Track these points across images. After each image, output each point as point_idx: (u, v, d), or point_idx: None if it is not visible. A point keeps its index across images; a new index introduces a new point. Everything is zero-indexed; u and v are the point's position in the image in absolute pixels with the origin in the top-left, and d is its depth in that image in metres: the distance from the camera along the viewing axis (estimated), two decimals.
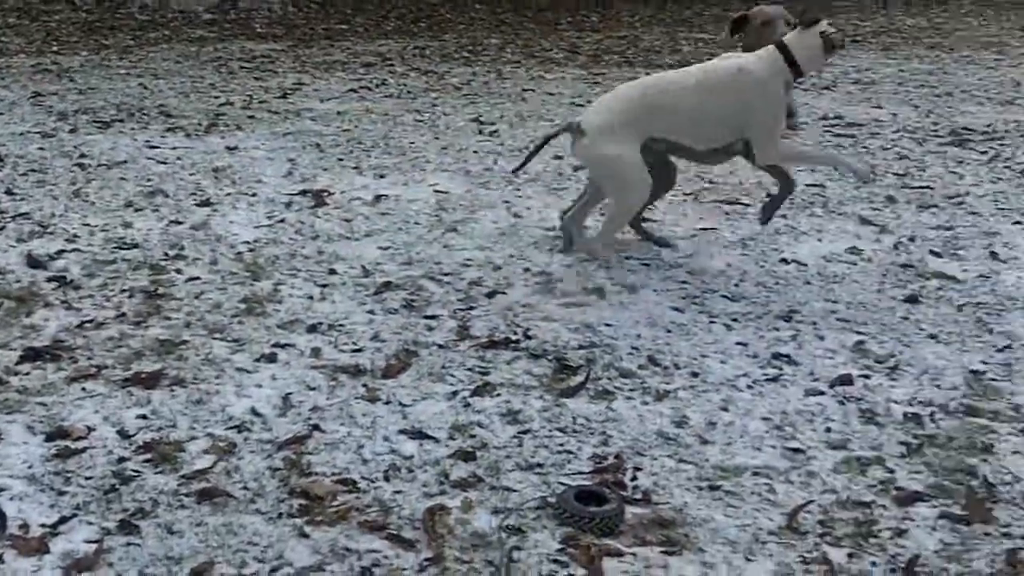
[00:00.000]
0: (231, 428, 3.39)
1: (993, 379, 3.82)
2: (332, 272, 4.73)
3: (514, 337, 4.09)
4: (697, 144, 4.73)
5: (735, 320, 4.31)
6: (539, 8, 15.50)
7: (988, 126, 8.13)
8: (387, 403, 3.56)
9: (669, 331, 4.19)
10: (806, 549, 2.83)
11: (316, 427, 3.40)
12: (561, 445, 3.33)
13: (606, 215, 4.89)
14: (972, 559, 2.82)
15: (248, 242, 5.11)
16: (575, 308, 4.39)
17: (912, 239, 5.30)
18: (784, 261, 4.99)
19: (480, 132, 7.62)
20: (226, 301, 4.41)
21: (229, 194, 5.93)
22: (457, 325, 4.19)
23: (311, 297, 4.45)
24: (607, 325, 4.22)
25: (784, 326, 4.25)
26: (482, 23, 14.09)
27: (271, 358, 3.88)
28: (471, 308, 4.37)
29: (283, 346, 3.98)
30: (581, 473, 3.17)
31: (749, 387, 3.74)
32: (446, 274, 4.74)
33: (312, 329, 4.13)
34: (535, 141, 5.33)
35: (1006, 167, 6.88)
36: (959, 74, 10.79)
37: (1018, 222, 5.67)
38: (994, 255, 5.12)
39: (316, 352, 3.93)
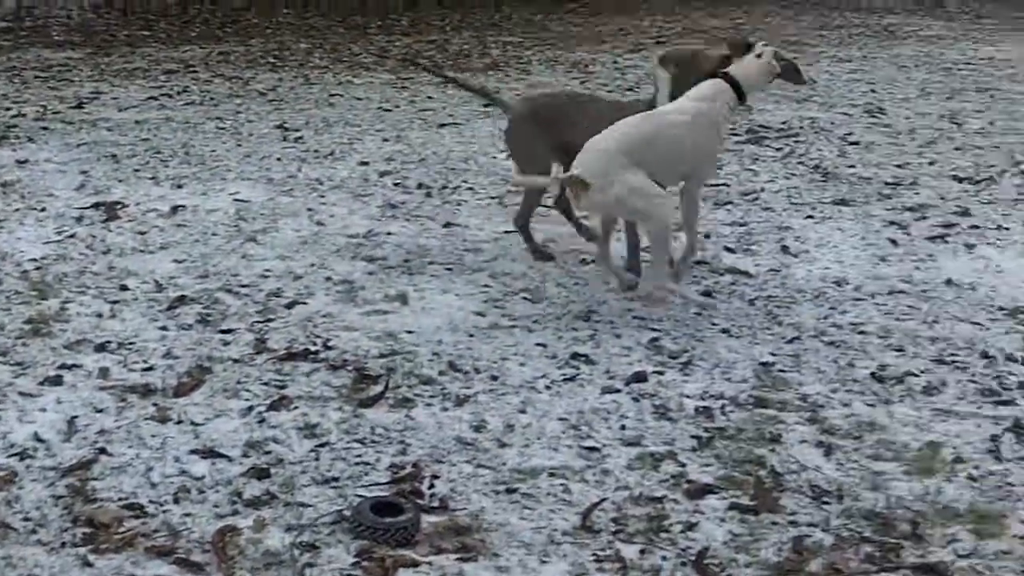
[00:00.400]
0: (12, 456, 3.26)
1: (782, 370, 3.95)
2: (124, 288, 4.59)
3: (313, 348, 4.03)
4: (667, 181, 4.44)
5: (536, 322, 4.34)
6: (348, 12, 15.36)
7: (784, 123, 8.40)
8: (178, 423, 3.47)
9: (471, 336, 4.20)
10: (599, 547, 2.87)
11: (103, 451, 3.29)
12: (359, 457, 3.29)
13: (651, 248, 4.52)
14: (760, 548, 2.89)
15: (35, 259, 4.91)
16: (377, 316, 4.36)
17: (707, 236, 5.44)
18: (584, 262, 5.05)
19: (284, 139, 7.50)
20: (9, 322, 4.23)
21: (17, 209, 5.69)
22: (254, 338, 4.11)
23: (100, 315, 4.30)
24: (409, 332, 4.21)
25: (583, 326, 4.30)
26: (290, 28, 13.89)
27: (56, 380, 3.73)
28: (269, 320, 4.29)
29: (69, 367, 3.83)
30: (378, 484, 3.15)
31: (547, 388, 3.77)
32: (244, 286, 4.65)
33: (101, 348, 4.00)
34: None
35: (799, 163, 7.12)
36: None
37: (809, 216, 5.87)
38: (785, 249, 5.29)
39: (104, 372, 3.80)
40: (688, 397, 3.71)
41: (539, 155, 4.82)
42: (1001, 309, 4.61)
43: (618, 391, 3.75)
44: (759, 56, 4.55)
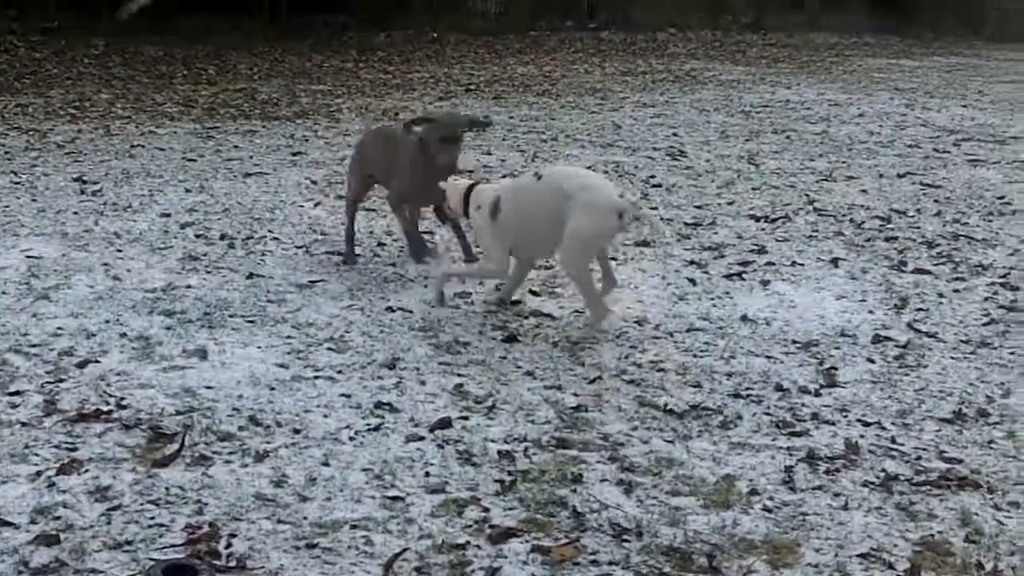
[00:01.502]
0: None
1: (584, 411, 3.99)
2: None
3: (106, 408, 3.89)
4: None
5: (340, 372, 4.29)
6: (153, 62, 15.07)
7: (590, 167, 8.55)
8: None
9: (272, 388, 4.12)
10: None
11: None
12: (153, 518, 3.18)
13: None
14: None
15: None
16: (174, 372, 4.24)
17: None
18: (390, 309, 5.03)
19: (82, 192, 7.28)
20: None
21: None
22: (44, 400, 3.94)
23: None
24: (208, 387, 4.10)
25: (388, 374, 4.27)
26: (91, 78, 13.53)
27: None
28: (60, 380, 4.13)
29: None
30: (173, 546, 3.05)
31: (351, 439, 3.72)
32: (34, 345, 4.47)
33: None
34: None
35: None
36: (564, 119, 11.34)
37: (612, 258, 5.95)
38: None
39: None
40: (492, 441, 3.71)
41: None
42: (795, 343, 4.77)
43: (422, 439, 3.73)
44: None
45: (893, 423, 3.98)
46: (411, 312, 5.00)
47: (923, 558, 3.09)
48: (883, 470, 3.60)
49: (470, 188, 5.16)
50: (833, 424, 3.96)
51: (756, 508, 3.34)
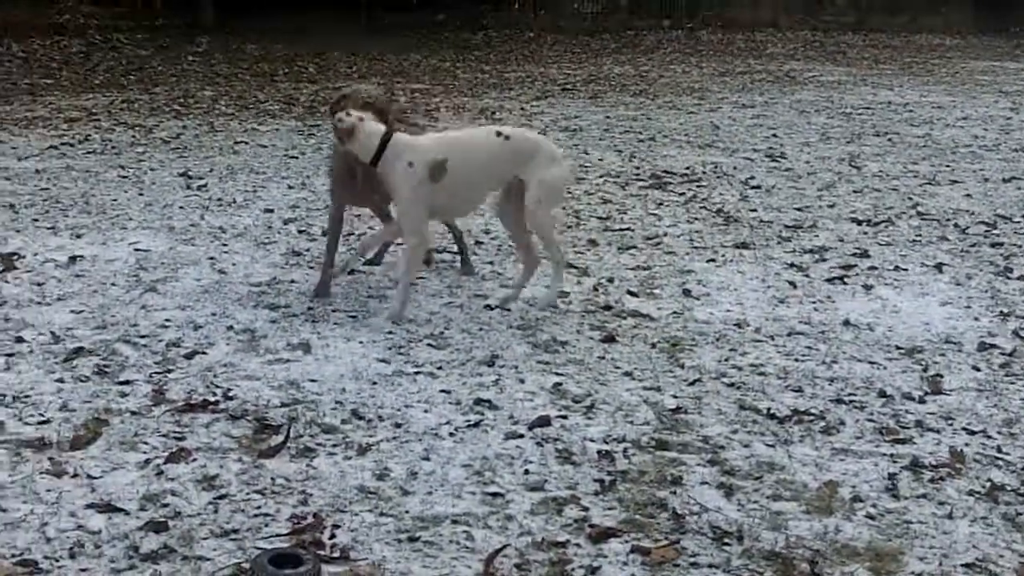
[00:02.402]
0: None
1: (683, 413, 3.98)
2: (19, 340, 4.48)
3: (213, 399, 3.97)
4: None
5: (439, 368, 4.33)
6: (255, 60, 15.32)
7: (687, 169, 8.53)
8: (74, 476, 3.39)
9: (374, 383, 4.17)
10: None
11: None
12: (258, 508, 3.24)
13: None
14: None
15: None
16: (279, 365, 4.31)
17: (611, 280, 5.49)
18: (488, 307, 5.06)
19: (188, 187, 7.43)
20: None
21: None
22: (152, 390, 4.04)
23: None
24: (311, 381, 4.17)
25: (487, 371, 4.30)
26: (195, 75, 13.80)
27: None
28: (168, 371, 4.22)
29: None
30: (279, 536, 3.10)
31: (451, 434, 3.75)
32: (143, 336, 4.57)
33: None
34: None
35: (702, 207, 7.23)
36: (661, 119, 11.29)
37: (711, 260, 5.95)
38: (687, 292, 5.35)
39: None
40: (591, 441, 3.72)
41: None
42: (898, 348, 4.70)
43: (521, 436, 3.75)
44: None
45: (999, 432, 3.91)
46: (509, 310, 5.02)
47: None
48: (989, 479, 3.54)
49: (388, 135, 4.73)
50: (938, 432, 3.90)
51: (859, 515, 3.30)
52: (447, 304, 5.10)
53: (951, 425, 3.96)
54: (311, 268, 5.59)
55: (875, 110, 12.32)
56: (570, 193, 7.51)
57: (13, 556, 2.96)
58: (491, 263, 5.77)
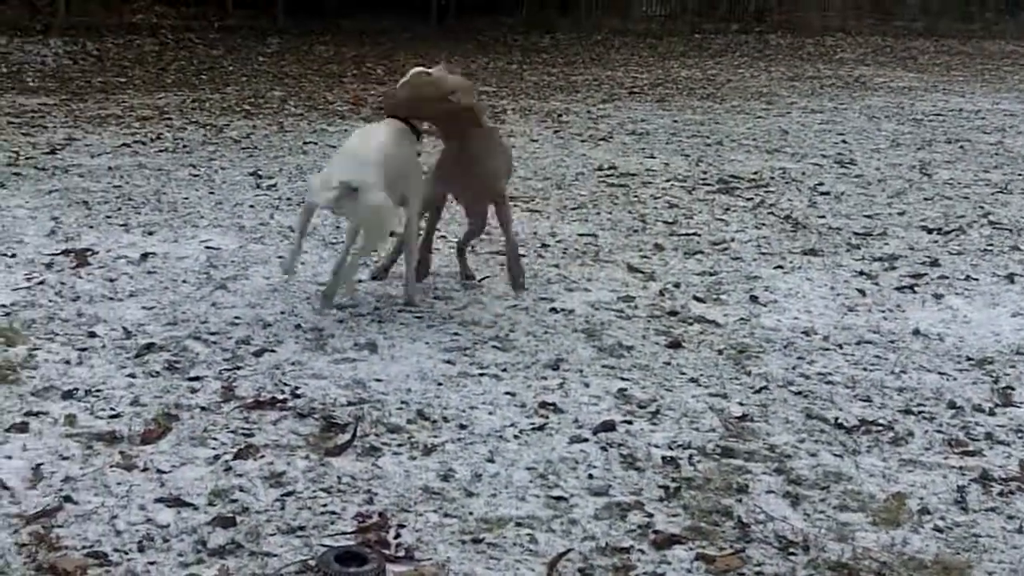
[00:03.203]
0: None
1: (750, 420, 3.95)
2: (92, 335, 4.56)
3: (281, 396, 4.01)
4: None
5: (504, 370, 4.34)
6: (324, 61, 15.45)
7: (755, 173, 8.48)
8: (144, 470, 3.44)
9: (439, 384, 4.19)
10: None
11: (68, 498, 3.25)
12: (325, 506, 3.27)
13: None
14: None
15: (3, 305, 4.88)
16: (346, 364, 4.35)
17: (677, 285, 5.47)
18: (554, 310, 5.06)
19: (258, 186, 7.51)
20: None
21: None
22: (222, 386, 4.09)
23: (68, 362, 4.27)
24: (377, 380, 4.20)
25: (552, 374, 4.31)
26: (265, 75, 13.94)
27: (22, 427, 3.70)
28: (238, 368, 4.27)
29: (36, 414, 3.80)
30: (344, 533, 3.13)
31: (516, 437, 3.76)
32: (213, 333, 4.63)
33: (68, 395, 3.96)
34: None
35: (770, 213, 7.18)
36: (729, 123, 11.23)
37: (779, 266, 5.91)
38: (754, 299, 5.32)
39: (71, 419, 3.76)
40: (656, 447, 3.71)
41: None
42: (968, 359, 4.64)
43: (586, 440, 3.75)
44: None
45: None
46: (574, 313, 5.02)
47: None
48: None
49: None
50: (1008, 445, 3.85)
51: (927, 527, 3.26)
52: (512, 307, 5.11)
53: (1022, 438, 3.90)
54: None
55: (946, 117, 12.16)
56: (636, 197, 7.50)
57: (84, 548, 3.01)
58: (556, 266, 5.76)
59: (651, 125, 10.96)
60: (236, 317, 4.83)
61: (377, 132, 4.89)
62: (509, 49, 17.87)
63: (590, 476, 3.50)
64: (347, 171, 4.57)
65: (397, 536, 3.12)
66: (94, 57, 14.63)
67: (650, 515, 3.28)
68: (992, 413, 4.11)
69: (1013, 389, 4.33)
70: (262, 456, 3.56)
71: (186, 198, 7.07)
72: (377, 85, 13.51)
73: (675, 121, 11.30)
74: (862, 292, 5.50)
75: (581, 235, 6.36)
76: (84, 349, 4.41)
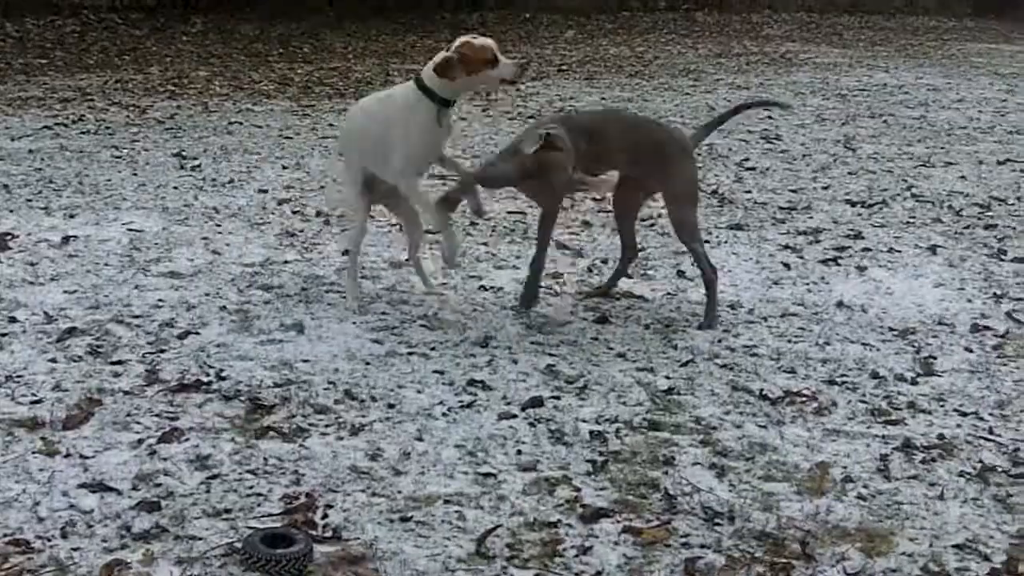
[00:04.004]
0: None
1: (676, 393, 3.98)
2: (12, 320, 4.48)
3: (206, 379, 3.97)
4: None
5: (433, 349, 4.33)
6: (249, 40, 15.26)
7: None
8: (67, 456, 3.39)
9: (367, 363, 4.17)
10: (494, 573, 2.87)
11: None
12: (251, 488, 3.25)
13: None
14: (653, 571, 2.91)
15: None
16: (272, 345, 4.32)
17: (605, 262, 5.48)
18: (483, 288, 5.06)
19: (182, 167, 7.41)
20: None
21: None
22: (145, 370, 4.04)
23: None
24: (304, 361, 4.17)
25: (480, 352, 4.30)
26: (189, 55, 13.74)
27: None
28: (162, 351, 4.22)
29: None
30: (271, 515, 3.11)
31: (444, 415, 3.76)
32: (136, 316, 4.57)
33: None
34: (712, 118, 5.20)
35: None
36: (657, 100, 11.27)
37: (705, 241, 5.88)
38: (681, 273, 5.35)
39: None
40: (584, 421, 3.72)
41: None
42: (891, 330, 4.71)
43: (514, 416, 3.75)
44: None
45: (991, 414, 3.92)
46: (503, 290, 5.02)
47: (1021, 550, 3.04)
48: (980, 461, 3.56)
49: None
50: (929, 413, 3.91)
51: (850, 496, 3.31)
52: (441, 284, 5.09)
53: (943, 407, 3.97)
54: (305, 249, 5.59)
55: (870, 92, 12.30)
56: None
57: (5, 535, 2.97)
58: (485, 244, 5.76)
59: (580, 103, 10.96)
60: (160, 300, 4.77)
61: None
62: (436, 27, 17.76)
63: (518, 452, 3.51)
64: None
65: (324, 516, 3.11)
66: (14, 38, 14.33)
67: (578, 489, 3.29)
68: (914, 383, 4.17)
69: (935, 359, 4.40)
70: (187, 439, 3.52)
71: (108, 180, 6.96)
72: (303, 64, 13.39)
73: (603, 98, 11.32)
74: (787, 265, 5.56)
75: (510, 213, 6.35)
76: (4, 334, 4.34)
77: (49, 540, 2.95)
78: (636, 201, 5.04)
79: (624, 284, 5.13)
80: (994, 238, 6.18)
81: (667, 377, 4.12)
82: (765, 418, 3.81)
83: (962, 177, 7.80)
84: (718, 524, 3.13)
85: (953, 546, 3.06)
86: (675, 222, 4.82)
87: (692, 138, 5.00)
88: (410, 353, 4.29)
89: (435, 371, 4.12)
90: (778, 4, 22.99)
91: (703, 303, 4.87)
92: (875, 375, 4.21)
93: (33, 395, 3.80)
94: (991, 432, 3.77)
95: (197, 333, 4.41)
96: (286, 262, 5.35)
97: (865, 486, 3.37)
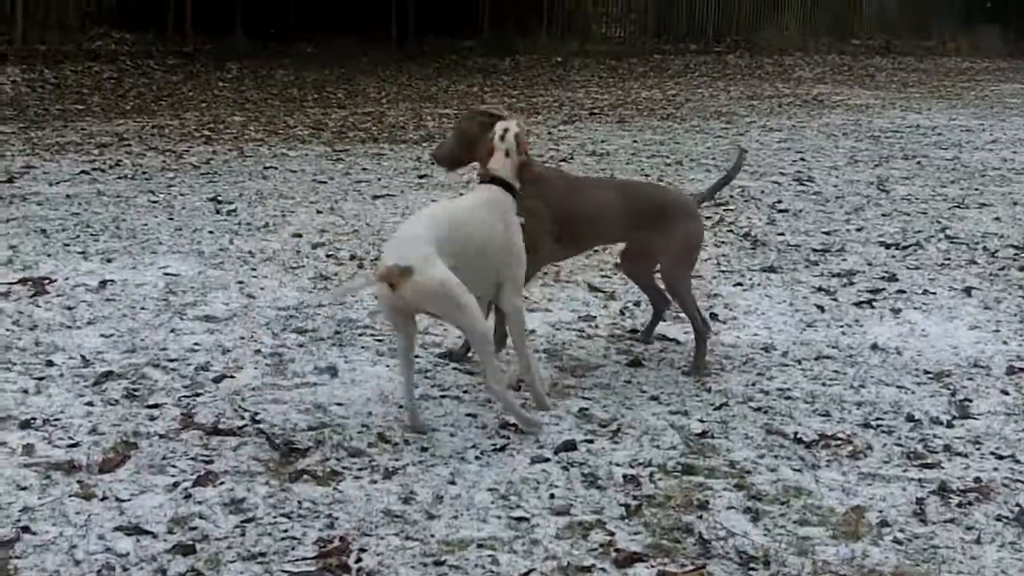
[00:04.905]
0: None
1: (710, 437, 3.97)
2: (50, 364, 4.52)
3: (241, 423, 3.99)
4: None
5: (466, 392, 4.34)
6: (284, 85, 15.44)
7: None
8: (103, 499, 3.41)
9: (400, 406, 4.18)
10: None
11: (25, 529, 3.22)
12: (285, 531, 3.26)
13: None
14: None
15: None
16: (306, 388, 4.34)
17: (638, 304, 5.48)
18: None
19: (217, 212, 7.48)
20: None
21: None
22: (181, 413, 4.06)
23: (26, 391, 4.23)
24: (338, 404, 4.19)
25: (513, 395, 4.30)
26: (225, 101, 13.92)
27: None
28: (197, 395, 4.25)
29: None
30: (305, 559, 3.12)
31: (477, 458, 3.76)
32: (172, 360, 4.60)
33: (25, 425, 3.93)
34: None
35: (729, 231, 7.23)
36: (688, 143, 11.31)
37: (738, 283, 5.95)
38: (714, 316, 5.34)
39: (28, 449, 3.73)
40: (617, 465, 3.72)
41: None
42: (926, 373, 4.69)
43: (547, 460, 3.75)
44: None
45: None
46: (535, 333, 5.02)
47: None
48: (1017, 504, 3.52)
49: None
50: (966, 456, 3.88)
51: (886, 540, 3.29)
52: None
53: (979, 450, 3.94)
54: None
55: (903, 133, 12.29)
56: None
57: None
58: None
59: (611, 145, 11.01)
60: (195, 344, 4.81)
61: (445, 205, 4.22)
62: (469, 71, 17.93)
63: (551, 496, 3.50)
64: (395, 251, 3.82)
65: (358, 560, 3.11)
66: (52, 84, 14.55)
67: (612, 533, 3.28)
68: (950, 425, 4.14)
69: (970, 401, 4.37)
70: (222, 483, 3.54)
71: (145, 224, 7.03)
72: (337, 108, 13.53)
73: (635, 141, 11.37)
74: (820, 308, 5.54)
75: None
76: (42, 378, 4.38)
77: None
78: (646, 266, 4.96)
79: (657, 327, 5.13)
80: None
81: (701, 420, 4.11)
82: (800, 462, 3.79)
83: (996, 218, 7.77)
84: (753, 569, 3.11)
85: None
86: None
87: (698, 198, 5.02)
88: (442, 396, 4.30)
89: (467, 414, 4.12)
90: (809, 46, 23.03)
91: (736, 345, 4.87)
92: (910, 418, 4.19)
93: (70, 438, 3.83)
94: None
95: (232, 377, 4.44)
96: (320, 306, 5.38)
97: (901, 530, 3.35)
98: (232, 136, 11.12)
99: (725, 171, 5.19)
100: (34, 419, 3.98)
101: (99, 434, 3.87)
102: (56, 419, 4.00)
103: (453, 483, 3.58)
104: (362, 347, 4.81)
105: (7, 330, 4.93)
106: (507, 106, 4.85)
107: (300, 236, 6.82)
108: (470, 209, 4.04)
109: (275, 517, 3.33)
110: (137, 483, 3.52)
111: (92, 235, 6.71)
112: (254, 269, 6.03)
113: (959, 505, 3.52)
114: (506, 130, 4.13)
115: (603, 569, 3.09)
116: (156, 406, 4.13)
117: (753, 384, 4.49)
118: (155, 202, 7.75)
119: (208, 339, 4.87)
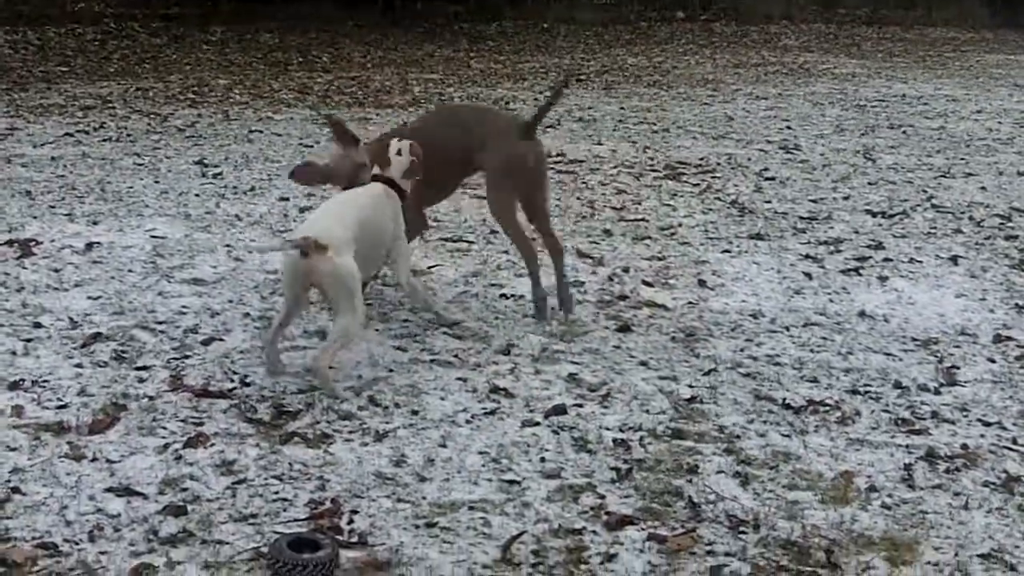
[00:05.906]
0: None
1: (699, 402, 3.99)
2: (37, 325, 4.50)
3: (230, 385, 3.99)
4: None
5: (456, 356, 4.34)
6: (269, 49, 15.32)
7: (701, 159, 8.52)
8: (93, 460, 3.41)
9: (391, 370, 4.19)
10: None
11: (16, 490, 3.23)
12: (276, 493, 3.27)
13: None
14: None
15: None
16: (295, 352, 4.33)
17: (626, 270, 5.49)
18: (504, 296, 5.07)
19: (203, 175, 7.44)
20: None
21: None
22: (170, 375, 4.06)
23: (14, 353, 4.22)
24: (328, 368, 4.17)
25: (503, 360, 4.31)
26: (209, 64, 13.81)
27: None
28: (186, 357, 4.24)
29: None
30: (297, 520, 3.13)
31: (468, 422, 3.77)
32: (160, 322, 4.59)
33: (14, 387, 3.92)
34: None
35: (716, 198, 7.23)
36: (675, 110, 11.28)
37: (726, 250, 5.95)
38: (702, 283, 5.36)
39: (18, 410, 3.72)
40: (607, 429, 3.73)
41: None
42: (914, 340, 4.71)
43: (538, 424, 3.76)
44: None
45: (1015, 423, 3.92)
46: (524, 299, 5.02)
47: None
48: (1004, 470, 3.55)
49: None
50: (953, 423, 3.91)
51: (875, 505, 3.31)
52: (463, 293, 5.11)
53: (966, 416, 3.96)
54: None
55: (889, 103, 12.28)
56: (585, 184, 7.52)
57: (33, 539, 2.99)
58: (505, 252, 5.77)
59: (598, 112, 10.98)
60: (183, 306, 4.79)
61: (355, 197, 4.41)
62: (455, 37, 17.82)
63: (542, 459, 3.52)
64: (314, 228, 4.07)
65: (350, 522, 3.12)
66: (35, 46, 14.43)
67: (602, 497, 3.30)
68: (937, 392, 4.17)
69: (957, 368, 4.40)
70: (213, 444, 3.54)
71: (131, 187, 6.99)
72: (323, 72, 13.44)
73: (622, 108, 11.33)
74: (808, 275, 5.56)
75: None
76: (30, 340, 4.36)
77: (77, 544, 2.98)
78: None
79: (646, 293, 5.14)
80: (1015, 248, 6.17)
81: (690, 386, 4.12)
82: (788, 427, 3.81)
83: (982, 188, 7.79)
84: (743, 532, 3.13)
85: (978, 556, 3.06)
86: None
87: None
88: (433, 360, 4.30)
89: (458, 378, 4.13)
90: (796, 15, 22.99)
91: (724, 312, 4.89)
92: (898, 385, 4.21)
93: (59, 400, 3.83)
94: (1015, 442, 3.76)
95: (221, 339, 4.43)
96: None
97: (889, 495, 3.37)
98: (217, 99, 11.05)
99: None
100: (23, 380, 3.97)
101: (88, 396, 3.87)
102: (45, 381, 3.99)
103: (444, 446, 3.59)
104: None
105: None
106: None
107: (287, 200, 6.79)
108: (372, 204, 4.34)
109: (266, 479, 3.34)
110: (127, 444, 3.52)
111: (78, 197, 6.67)
112: (241, 232, 6.01)
113: (947, 471, 3.55)
114: (400, 149, 4.48)
115: (594, 531, 3.11)
116: (145, 368, 4.13)
117: (742, 350, 4.51)
118: (140, 165, 7.70)
119: (196, 302, 4.85)
